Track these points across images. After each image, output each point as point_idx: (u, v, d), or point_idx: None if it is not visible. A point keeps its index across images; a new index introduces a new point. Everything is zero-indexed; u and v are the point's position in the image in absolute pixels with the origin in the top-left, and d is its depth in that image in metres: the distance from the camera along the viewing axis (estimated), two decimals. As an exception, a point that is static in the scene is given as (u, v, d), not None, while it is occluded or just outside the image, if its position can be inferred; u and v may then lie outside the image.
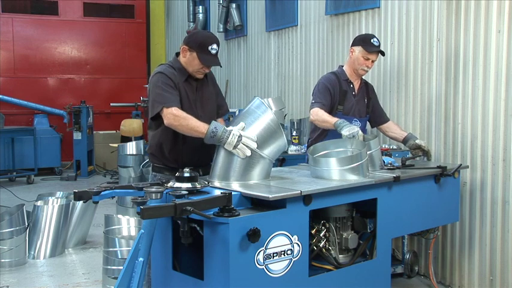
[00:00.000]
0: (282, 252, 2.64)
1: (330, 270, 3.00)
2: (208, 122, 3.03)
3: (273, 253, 2.60)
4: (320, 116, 3.78)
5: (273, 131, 2.97)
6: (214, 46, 3.21)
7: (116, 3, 11.76)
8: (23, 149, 9.70)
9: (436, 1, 4.32)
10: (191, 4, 9.63)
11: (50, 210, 5.28)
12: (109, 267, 4.16)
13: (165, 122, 3.11)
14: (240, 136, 2.86)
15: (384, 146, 4.50)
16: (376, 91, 4.32)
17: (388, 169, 3.44)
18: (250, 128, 2.94)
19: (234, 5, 7.98)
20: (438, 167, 3.58)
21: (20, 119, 10.79)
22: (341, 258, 3.13)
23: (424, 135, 4.46)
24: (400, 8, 4.72)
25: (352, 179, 3.04)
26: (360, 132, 3.40)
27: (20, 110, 10.81)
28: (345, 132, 3.42)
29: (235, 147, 2.86)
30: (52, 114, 10.82)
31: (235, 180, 2.93)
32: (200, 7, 9.35)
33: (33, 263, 5.13)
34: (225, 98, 3.73)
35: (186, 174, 2.68)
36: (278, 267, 2.63)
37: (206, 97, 3.39)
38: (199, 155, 3.32)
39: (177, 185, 2.67)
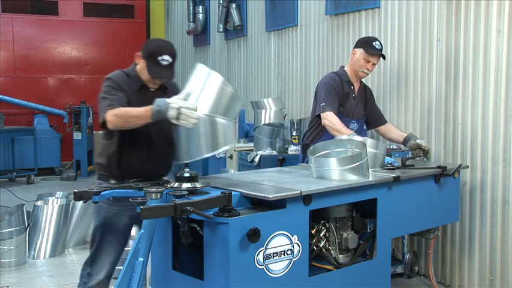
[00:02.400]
0: (282, 252, 2.64)
1: (330, 270, 3.00)
2: (164, 140, 3.01)
3: (273, 253, 2.60)
4: (334, 124, 3.75)
5: (223, 92, 2.86)
6: (166, 57, 2.92)
7: (116, 3, 11.76)
8: (23, 149, 9.71)
9: (436, 1, 4.32)
10: (191, 4, 9.62)
11: (50, 210, 5.28)
12: (109, 267, 4.15)
13: (109, 126, 2.88)
14: (179, 108, 2.68)
15: (384, 146, 4.50)
16: (376, 91, 4.32)
17: (388, 169, 3.44)
18: (200, 98, 2.81)
19: (234, 5, 7.98)
20: (438, 167, 3.58)
21: (20, 119, 10.79)
22: (341, 258, 3.13)
23: (424, 135, 4.46)
24: (400, 8, 4.72)
25: (352, 179, 3.04)
26: None
27: (20, 110, 10.82)
28: None
29: (178, 119, 2.70)
30: (52, 114, 10.83)
31: (205, 154, 2.89)
32: (200, 7, 9.34)
33: (33, 263, 5.13)
34: None
35: (186, 174, 2.68)
36: (278, 267, 2.63)
37: None
38: (149, 167, 3.10)
39: (177, 185, 2.67)
